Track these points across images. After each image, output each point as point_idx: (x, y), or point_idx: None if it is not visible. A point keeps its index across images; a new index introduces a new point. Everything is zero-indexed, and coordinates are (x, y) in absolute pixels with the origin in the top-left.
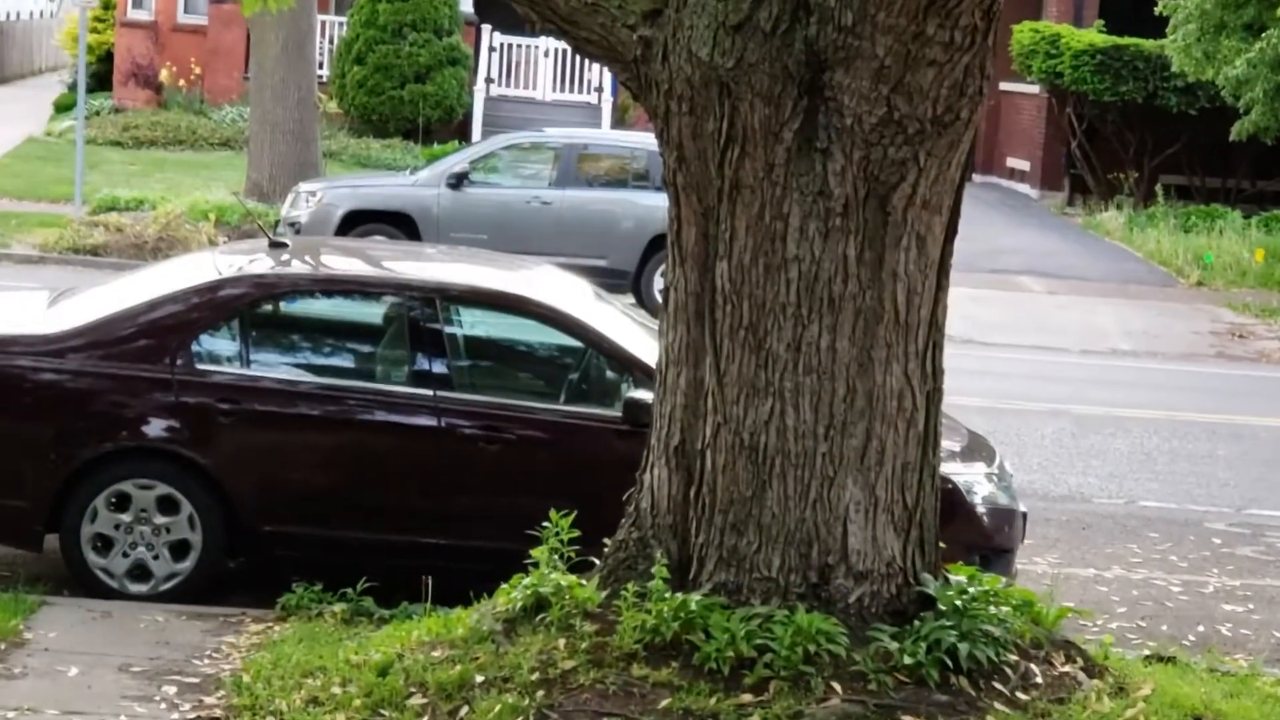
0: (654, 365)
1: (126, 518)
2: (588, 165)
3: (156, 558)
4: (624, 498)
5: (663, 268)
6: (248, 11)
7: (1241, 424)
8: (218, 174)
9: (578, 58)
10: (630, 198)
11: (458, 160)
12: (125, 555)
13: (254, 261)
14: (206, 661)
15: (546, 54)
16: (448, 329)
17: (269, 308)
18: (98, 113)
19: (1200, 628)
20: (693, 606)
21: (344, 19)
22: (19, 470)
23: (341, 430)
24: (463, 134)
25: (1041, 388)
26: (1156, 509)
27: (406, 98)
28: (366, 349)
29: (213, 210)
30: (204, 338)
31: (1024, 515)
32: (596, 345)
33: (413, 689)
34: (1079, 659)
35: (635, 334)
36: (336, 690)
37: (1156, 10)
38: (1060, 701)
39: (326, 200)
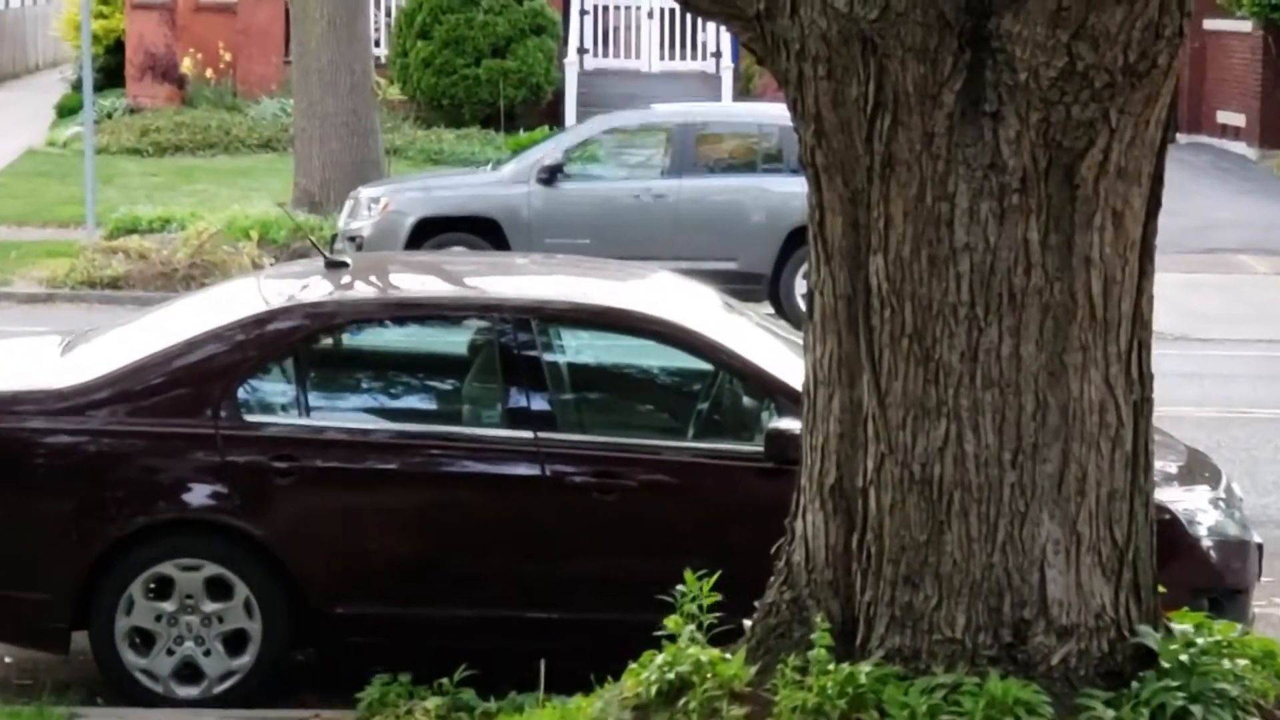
0: (800, 388)
1: (169, 607)
2: (707, 147)
3: (208, 654)
4: (772, 551)
5: (804, 268)
6: None
7: None
8: (259, 182)
9: (689, 17)
10: (761, 184)
11: (549, 150)
12: (170, 653)
13: (308, 286)
14: None
15: (651, 14)
16: (547, 356)
17: (329, 342)
18: (109, 115)
19: None
20: (862, 679)
21: None
22: (35, 556)
23: (423, 486)
24: (553, 117)
25: (1273, 391)
26: None
27: (483, 77)
28: (449, 386)
29: (255, 226)
30: (252, 383)
31: (1259, 547)
32: (729, 367)
33: None
34: None
35: (776, 350)
36: None
37: None
38: None
39: (393, 207)
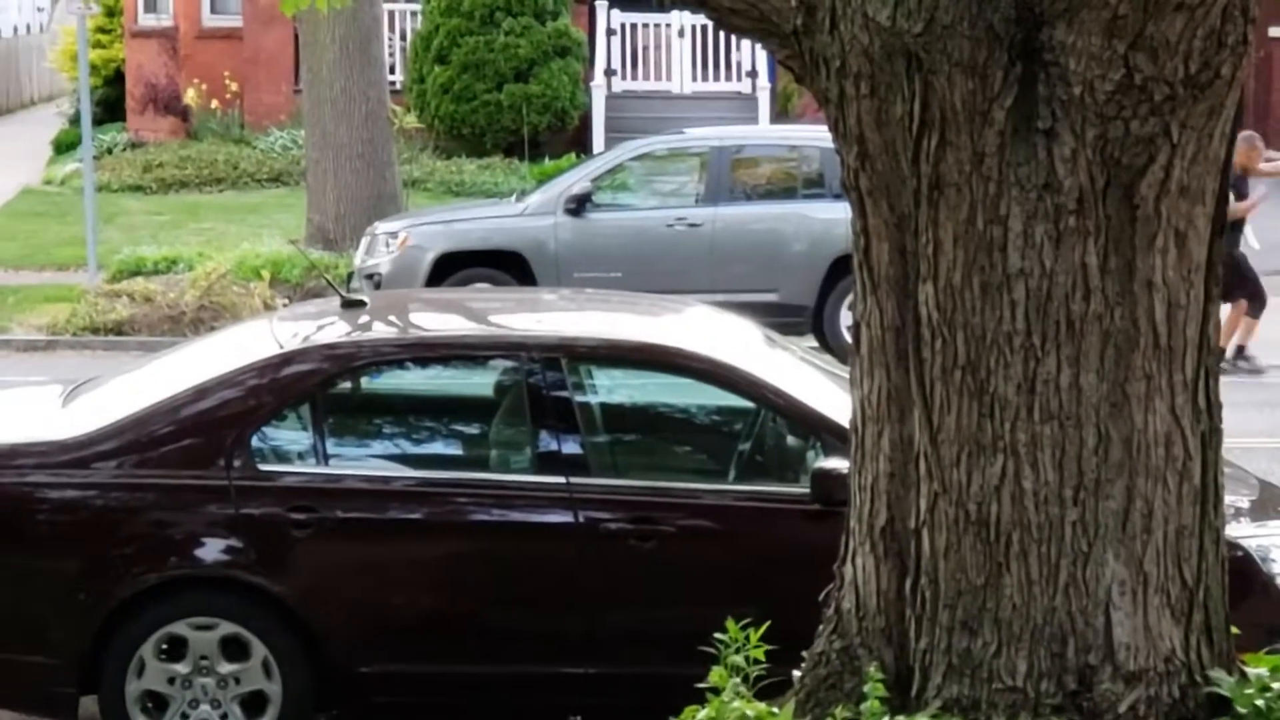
0: (847, 425)
1: (183, 669)
2: (744, 172)
3: (225, 717)
4: (820, 598)
5: (850, 298)
6: (288, 9)
7: None
8: (269, 218)
9: (723, 35)
10: (802, 211)
11: (577, 178)
12: (185, 717)
13: (324, 327)
14: None
15: (682, 33)
16: (578, 397)
17: (347, 385)
18: (109, 150)
19: None
20: None
21: (417, 7)
22: (40, 617)
23: (450, 536)
24: (580, 144)
25: None
26: None
27: (505, 102)
28: (475, 430)
29: (266, 266)
30: (266, 430)
31: None
32: (772, 404)
33: None
34: None
35: (821, 386)
36: None
37: None
38: None
39: (412, 242)
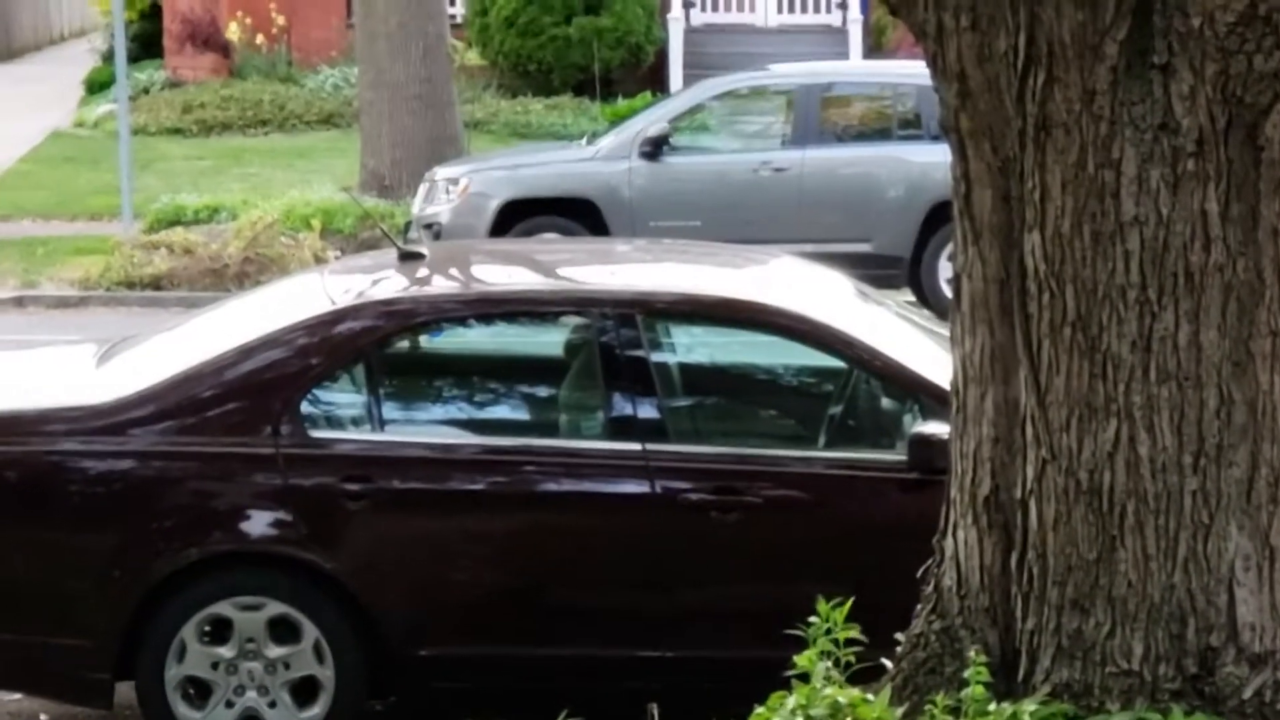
0: (948, 386)
1: (228, 652)
2: (835, 112)
3: (273, 705)
4: (918, 575)
5: (949, 248)
6: None
7: None
8: (320, 164)
9: None
10: (898, 154)
11: (653, 119)
12: (230, 705)
13: (380, 282)
14: None
15: None
16: (655, 356)
17: (405, 344)
18: (146, 90)
19: None
20: (1026, 719)
21: None
22: (72, 597)
23: (516, 508)
24: (657, 82)
25: None
26: None
27: (575, 37)
28: (543, 393)
29: (316, 215)
30: (317, 393)
31: None
32: (865, 364)
33: None
34: None
35: (918, 344)
36: None
37: None
38: None
39: (474, 189)
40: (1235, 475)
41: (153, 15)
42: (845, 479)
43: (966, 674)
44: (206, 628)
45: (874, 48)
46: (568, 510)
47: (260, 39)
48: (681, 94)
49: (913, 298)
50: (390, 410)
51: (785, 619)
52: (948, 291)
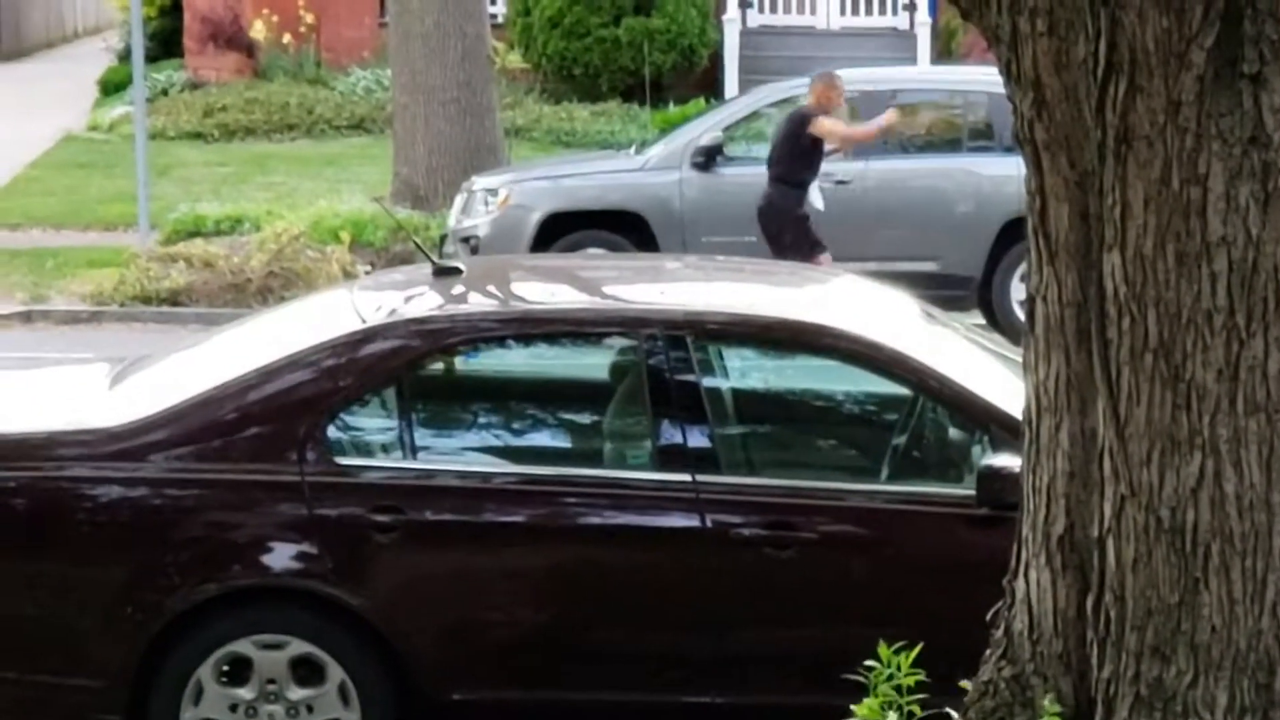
0: (1020, 416)
1: (247, 694)
2: (900, 121)
3: None
4: (987, 618)
5: (1022, 268)
6: None
7: None
8: (349, 171)
9: None
10: (967, 166)
11: (706, 127)
12: None
13: (412, 299)
14: None
15: None
16: (707, 381)
17: (438, 366)
18: (164, 92)
19: None
20: None
21: None
22: (81, 634)
23: (556, 543)
24: (710, 87)
25: None
26: None
27: (624, 39)
28: (587, 419)
29: (346, 226)
30: (345, 417)
31: None
32: (932, 391)
33: None
34: None
35: (988, 371)
36: None
37: None
38: None
39: (515, 200)
40: None
41: (173, 12)
42: (909, 514)
43: None
44: (225, 668)
45: (943, 52)
46: (612, 545)
47: (287, 38)
48: (737, 100)
49: (982, 320)
50: (423, 436)
51: (844, 663)
52: (1020, 314)
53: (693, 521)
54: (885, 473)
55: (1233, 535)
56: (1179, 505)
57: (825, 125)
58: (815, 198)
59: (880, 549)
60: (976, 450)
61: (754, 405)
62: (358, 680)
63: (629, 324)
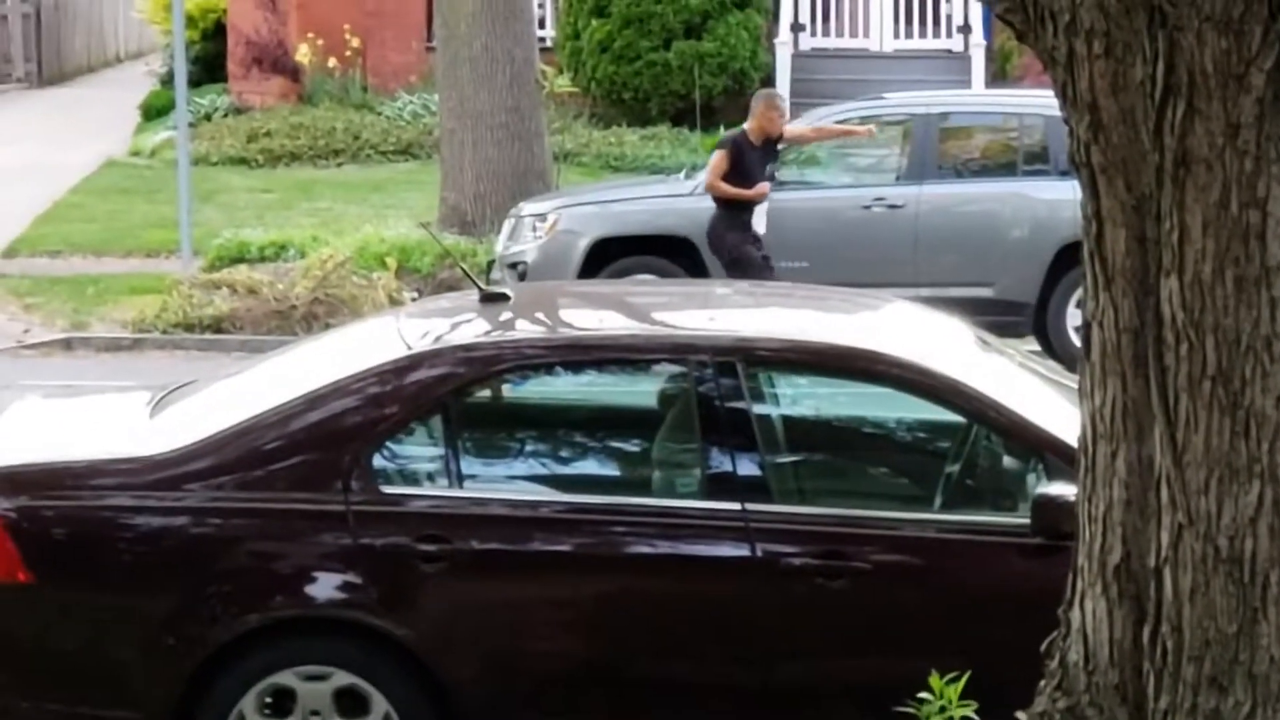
0: (1075, 443)
1: None
2: (954, 144)
3: None
4: (1042, 648)
5: (1078, 294)
6: None
7: None
8: (396, 197)
9: None
10: (1023, 190)
11: None
12: None
13: (459, 326)
14: None
15: None
16: (757, 408)
17: (486, 394)
18: (207, 116)
19: None
20: None
21: None
22: (122, 665)
23: (605, 573)
24: None
25: None
26: None
27: (674, 63)
28: (635, 447)
29: (392, 252)
30: (391, 446)
31: None
32: (986, 419)
33: None
34: None
35: (1044, 397)
36: None
37: None
38: None
39: (563, 226)
40: None
41: (216, 35)
42: (963, 544)
43: None
44: (268, 699)
45: (998, 75)
46: (661, 575)
47: (333, 62)
48: (789, 125)
49: (1038, 347)
50: (469, 465)
51: (896, 695)
52: (1076, 341)
53: (743, 551)
54: (938, 501)
55: None
56: (1237, 534)
57: (708, 179)
58: (759, 220)
59: (933, 579)
60: (1031, 478)
61: (805, 433)
62: (403, 712)
63: (678, 350)
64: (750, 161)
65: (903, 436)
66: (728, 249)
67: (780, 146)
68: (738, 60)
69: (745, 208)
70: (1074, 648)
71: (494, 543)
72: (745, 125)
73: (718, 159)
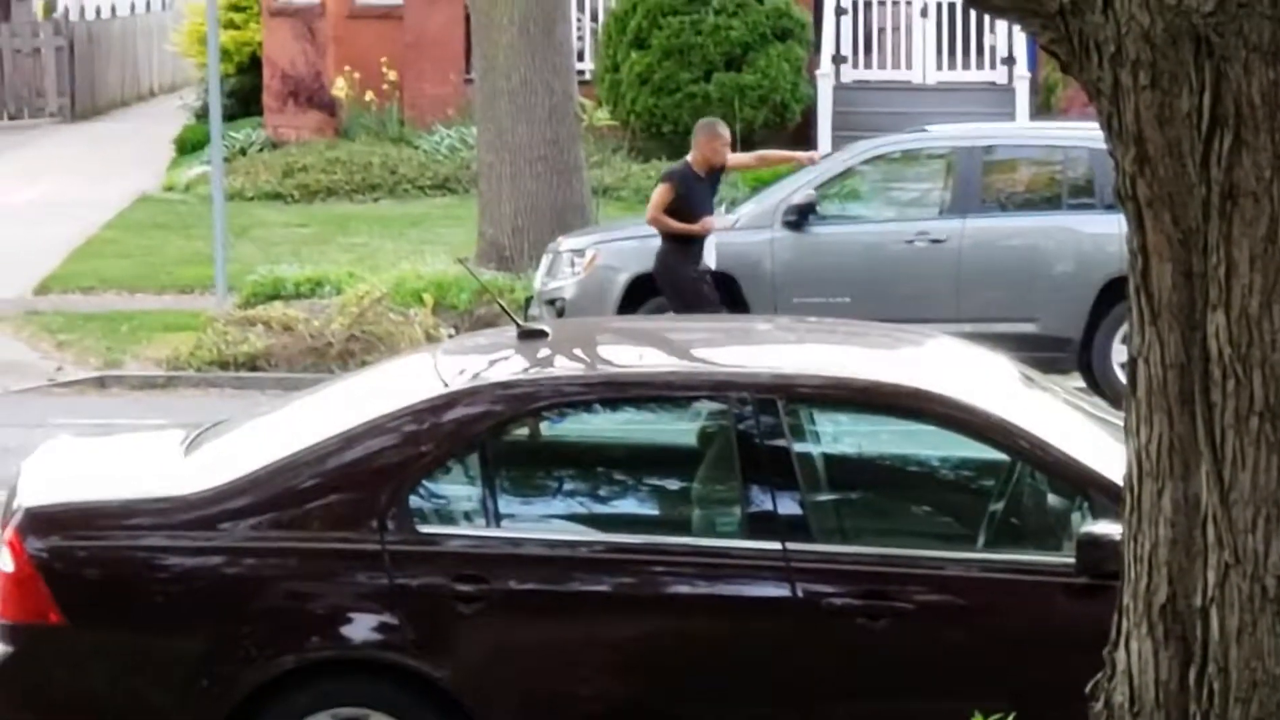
0: (1121, 482)
1: None
2: (998, 177)
3: None
4: (1087, 690)
5: (1124, 330)
6: None
7: None
8: (433, 233)
9: (974, 15)
10: (1067, 224)
11: (798, 185)
12: None
13: (497, 362)
14: None
15: (925, 12)
16: (798, 446)
17: (523, 431)
18: (243, 151)
19: None
20: None
21: None
22: (156, 708)
23: (644, 613)
24: (803, 144)
25: None
26: None
27: (715, 95)
28: (675, 486)
29: (429, 289)
30: (428, 484)
31: None
32: (1030, 456)
33: None
34: None
35: (1088, 435)
36: None
37: None
38: None
39: (602, 261)
40: None
41: (251, 69)
42: (1007, 583)
43: None
44: None
45: (1042, 107)
46: (701, 615)
47: (370, 96)
48: (830, 157)
49: (1083, 383)
50: (507, 504)
51: None
52: (1121, 377)
53: (783, 591)
54: (982, 540)
55: None
56: None
57: (650, 213)
58: (709, 254)
59: (977, 619)
60: (1076, 517)
61: (846, 471)
62: None
63: (718, 387)
64: (696, 193)
65: (945, 474)
66: (679, 292)
67: (723, 176)
68: (779, 92)
69: (694, 241)
70: (1119, 689)
71: (532, 583)
72: (688, 157)
73: (661, 192)
